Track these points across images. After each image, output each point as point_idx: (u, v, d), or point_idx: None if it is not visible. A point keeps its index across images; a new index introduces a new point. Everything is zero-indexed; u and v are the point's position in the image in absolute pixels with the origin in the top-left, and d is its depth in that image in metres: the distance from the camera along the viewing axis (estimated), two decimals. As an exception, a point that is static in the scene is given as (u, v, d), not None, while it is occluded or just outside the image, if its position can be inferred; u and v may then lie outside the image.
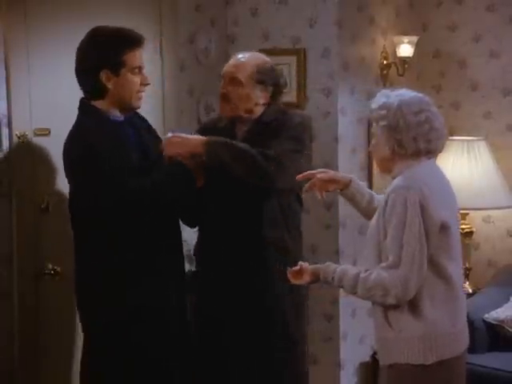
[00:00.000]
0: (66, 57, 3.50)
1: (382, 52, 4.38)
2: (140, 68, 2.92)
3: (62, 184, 3.52)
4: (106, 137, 2.87)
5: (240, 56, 3.11)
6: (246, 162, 2.89)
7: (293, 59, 4.16)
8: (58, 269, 3.47)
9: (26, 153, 3.38)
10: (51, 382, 3.51)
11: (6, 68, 3.30)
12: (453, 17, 4.69)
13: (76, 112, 3.53)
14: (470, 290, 4.44)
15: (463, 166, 4.38)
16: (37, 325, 3.44)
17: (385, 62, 4.38)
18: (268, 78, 3.05)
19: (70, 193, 3.04)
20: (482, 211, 4.55)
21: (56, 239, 3.49)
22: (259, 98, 3.04)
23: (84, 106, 2.97)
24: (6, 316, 3.34)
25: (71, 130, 2.97)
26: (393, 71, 4.41)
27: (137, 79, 2.91)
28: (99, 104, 2.94)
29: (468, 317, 3.96)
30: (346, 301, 4.09)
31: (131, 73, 2.89)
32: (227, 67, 3.10)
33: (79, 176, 2.92)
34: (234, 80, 3.03)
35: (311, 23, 4.12)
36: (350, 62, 4.17)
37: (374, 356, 4.38)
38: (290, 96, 4.16)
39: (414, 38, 4.39)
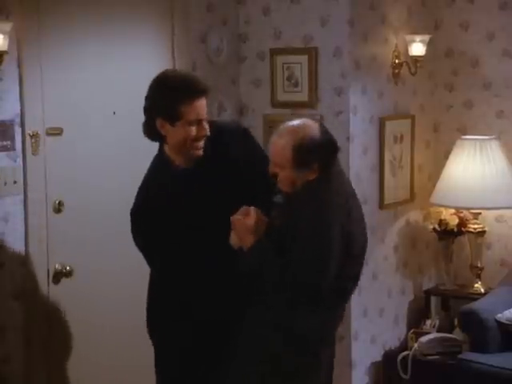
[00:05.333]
0: (78, 56, 3.53)
1: (394, 51, 4.37)
2: (198, 121, 2.77)
3: (75, 183, 3.54)
4: (162, 192, 2.84)
5: (277, 135, 2.73)
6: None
7: (304, 58, 4.15)
8: (71, 268, 3.49)
9: (38, 152, 3.39)
10: (63, 381, 3.53)
11: (19, 68, 3.31)
12: (465, 15, 4.68)
13: (88, 111, 3.57)
14: (482, 290, 4.42)
15: (476, 165, 4.36)
16: (50, 325, 3.46)
17: (397, 61, 4.37)
18: (309, 157, 2.68)
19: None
20: (495, 211, 4.53)
21: (69, 239, 3.50)
22: (306, 176, 2.70)
23: (159, 152, 2.91)
24: (20, 316, 3.35)
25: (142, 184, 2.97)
26: (405, 70, 4.40)
27: (193, 130, 2.76)
28: (167, 149, 2.86)
29: (480, 316, 4.01)
30: (357, 300, 4.08)
31: (188, 124, 2.76)
32: (270, 146, 2.76)
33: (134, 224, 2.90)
34: (275, 164, 2.74)
35: (323, 22, 4.11)
36: (361, 61, 4.16)
37: (385, 355, 4.38)
38: (301, 95, 4.18)
39: (426, 37, 4.37)
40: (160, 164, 2.90)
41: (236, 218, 2.72)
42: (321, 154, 2.69)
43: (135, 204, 2.91)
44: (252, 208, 2.73)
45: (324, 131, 2.74)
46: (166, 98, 2.75)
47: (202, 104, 2.78)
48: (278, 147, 2.71)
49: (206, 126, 2.81)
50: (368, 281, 4.18)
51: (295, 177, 2.70)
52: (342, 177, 2.82)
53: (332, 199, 2.69)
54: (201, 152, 2.83)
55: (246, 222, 2.72)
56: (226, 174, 2.88)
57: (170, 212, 2.81)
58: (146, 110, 2.85)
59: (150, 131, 2.85)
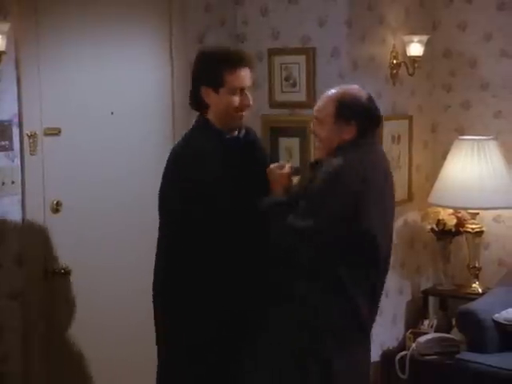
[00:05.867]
0: (76, 57, 3.53)
1: (392, 51, 4.37)
2: (242, 89, 2.89)
3: (73, 184, 3.55)
4: (215, 153, 2.86)
5: (325, 93, 2.93)
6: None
7: (302, 59, 4.16)
8: (69, 268, 3.49)
9: (36, 152, 3.40)
10: (62, 381, 3.53)
11: (17, 68, 3.31)
12: (463, 16, 4.68)
13: (85, 111, 3.57)
14: (480, 290, 4.43)
15: (473, 165, 4.36)
16: (48, 324, 3.46)
17: (395, 62, 4.37)
18: (349, 112, 2.82)
19: (163, 194, 2.95)
20: (493, 211, 4.54)
21: (67, 239, 3.50)
22: (342, 135, 2.84)
23: (200, 118, 2.96)
24: (18, 316, 3.35)
25: (184, 139, 2.97)
26: (403, 71, 4.40)
27: (236, 99, 2.88)
28: (209, 116, 2.93)
29: (478, 316, 4.01)
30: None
31: (231, 93, 2.87)
32: (315, 106, 2.94)
33: (182, 182, 2.86)
34: (318, 120, 2.90)
35: (321, 22, 4.11)
36: (359, 62, 4.16)
37: (383, 355, 4.39)
38: (299, 96, 4.18)
39: (424, 38, 4.38)
40: (209, 133, 2.91)
41: (273, 167, 2.96)
42: (361, 113, 2.84)
43: (183, 159, 2.87)
44: (287, 164, 2.98)
45: (370, 99, 2.90)
46: (211, 66, 2.87)
47: (245, 74, 2.89)
48: (323, 102, 2.89)
49: (249, 96, 2.92)
50: (366, 281, 4.18)
51: (333, 133, 2.83)
52: (375, 152, 2.91)
53: (352, 166, 2.77)
54: (242, 123, 2.95)
55: (280, 172, 2.93)
56: (254, 160, 3.02)
57: (227, 180, 2.84)
58: (193, 80, 2.94)
59: (196, 100, 2.93)
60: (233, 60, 2.88)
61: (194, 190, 2.81)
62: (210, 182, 2.81)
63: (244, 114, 2.93)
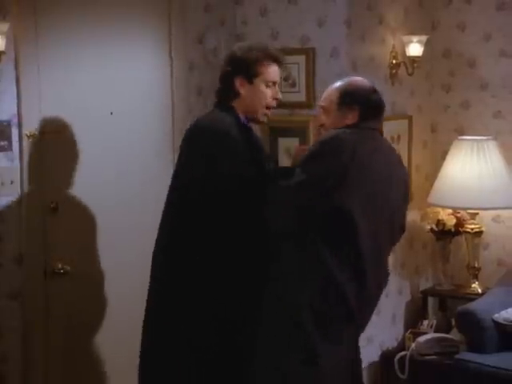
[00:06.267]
0: (75, 57, 3.53)
1: (392, 51, 4.37)
2: (274, 83, 3.04)
3: (72, 184, 3.55)
4: (239, 134, 2.95)
5: (331, 85, 3.07)
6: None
7: (302, 59, 4.16)
8: (68, 268, 3.49)
9: (36, 152, 3.40)
10: (61, 380, 3.53)
11: (16, 68, 3.31)
12: (462, 16, 4.68)
13: (85, 111, 3.57)
14: (480, 290, 4.43)
15: (473, 165, 4.36)
16: (47, 324, 3.46)
17: (394, 62, 4.37)
18: (352, 99, 2.95)
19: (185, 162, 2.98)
20: (492, 211, 4.54)
21: (65, 239, 3.50)
22: (345, 120, 2.96)
23: (222, 104, 3.03)
24: (17, 316, 3.35)
25: (206, 117, 3.02)
26: (402, 71, 4.40)
27: (269, 91, 3.02)
28: (235, 105, 3.02)
29: (477, 317, 4.01)
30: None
31: (264, 85, 3.01)
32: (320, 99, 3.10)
33: (206, 159, 2.88)
34: (323, 109, 3.04)
35: (320, 23, 4.12)
36: (358, 62, 4.16)
37: (382, 355, 4.39)
38: (299, 96, 4.18)
39: (424, 38, 4.38)
40: (229, 114, 2.98)
41: (297, 145, 3.27)
42: (363, 99, 2.95)
43: (210, 137, 2.90)
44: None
45: (374, 90, 3.01)
46: (247, 58, 3.00)
47: (277, 70, 3.06)
48: (328, 92, 3.03)
49: (279, 92, 3.07)
50: (365, 281, 4.17)
51: (337, 119, 2.95)
52: (377, 139, 2.98)
53: (344, 144, 2.82)
54: (265, 119, 3.08)
55: (303, 148, 3.14)
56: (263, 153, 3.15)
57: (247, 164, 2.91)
58: (227, 72, 3.02)
59: (227, 91, 3.01)
60: (269, 54, 3.03)
61: (217, 165, 2.85)
62: (232, 161, 2.87)
63: (269, 113, 3.06)
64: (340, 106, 2.96)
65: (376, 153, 2.90)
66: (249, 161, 2.92)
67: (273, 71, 3.03)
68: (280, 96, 3.08)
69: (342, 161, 2.78)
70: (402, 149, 4.49)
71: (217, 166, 2.85)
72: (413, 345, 4.24)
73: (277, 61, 3.05)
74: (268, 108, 3.05)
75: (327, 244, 2.79)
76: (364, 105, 2.95)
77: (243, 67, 3.00)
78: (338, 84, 3.03)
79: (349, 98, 2.96)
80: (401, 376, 4.22)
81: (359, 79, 3.06)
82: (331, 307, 2.80)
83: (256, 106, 3.03)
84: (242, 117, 3.02)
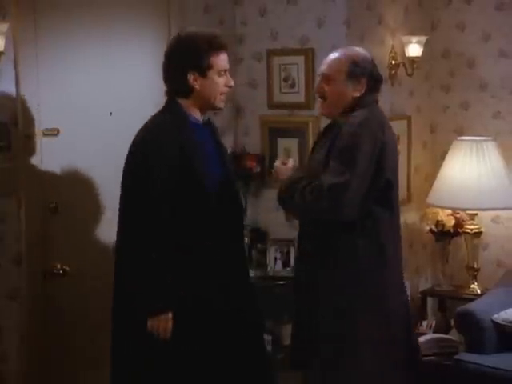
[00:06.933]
0: (74, 57, 3.53)
1: (391, 52, 4.37)
2: (225, 70, 3.04)
3: (71, 184, 3.55)
4: (177, 136, 2.94)
5: (332, 53, 3.06)
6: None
7: (301, 59, 4.16)
8: (67, 268, 3.49)
9: (35, 153, 3.40)
10: (61, 380, 3.53)
11: (16, 68, 3.32)
12: (462, 16, 4.68)
13: (84, 111, 3.58)
14: (479, 291, 4.43)
15: (472, 166, 4.36)
16: (46, 324, 3.46)
17: (393, 62, 4.37)
18: (361, 70, 2.97)
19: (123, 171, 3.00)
20: (491, 211, 4.54)
21: (65, 239, 3.51)
22: (353, 92, 2.97)
23: (169, 101, 3.05)
24: (16, 316, 3.36)
25: (147, 122, 3.05)
26: (401, 71, 4.40)
27: (222, 81, 3.02)
28: (183, 102, 3.02)
29: (476, 317, 4.01)
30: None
31: (217, 75, 3.00)
32: (321, 66, 3.07)
33: (137, 168, 2.93)
34: (326, 78, 3.01)
35: (319, 23, 4.12)
36: (358, 62, 4.16)
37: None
38: (298, 96, 4.18)
39: (423, 38, 4.38)
40: (174, 118, 2.99)
41: (277, 163, 3.11)
42: (371, 71, 2.98)
43: (141, 146, 2.97)
44: (290, 159, 3.15)
45: (374, 62, 3.04)
46: (197, 51, 2.96)
47: (226, 56, 3.04)
48: (334, 60, 2.99)
49: (231, 78, 3.06)
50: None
51: (345, 90, 2.94)
52: (380, 110, 3.04)
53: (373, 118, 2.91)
54: (223, 105, 3.07)
55: (286, 167, 3.07)
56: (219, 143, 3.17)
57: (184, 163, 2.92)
58: (176, 67, 2.98)
59: (180, 88, 2.99)
60: (217, 44, 2.99)
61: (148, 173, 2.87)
62: (163, 167, 2.88)
63: (224, 97, 3.06)
64: (349, 75, 2.95)
65: (387, 123, 3.00)
66: (178, 172, 2.89)
67: (223, 59, 3.01)
68: (232, 83, 3.07)
69: (380, 139, 2.86)
70: (401, 149, 4.47)
71: (147, 181, 2.87)
72: (412, 345, 4.23)
73: (225, 48, 3.03)
74: (223, 94, 3.04)
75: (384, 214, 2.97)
76: (371, 76, 2.98)
77: (194, 61, 2.96)
78: (342, 52, 3.01)
79: (358, 69, 2.96)
80: (400, 376, 4.21)
81: (361, 49, 3.07)
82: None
83: (212, 97, 3.01)
84: (193, 114, 3.00)
